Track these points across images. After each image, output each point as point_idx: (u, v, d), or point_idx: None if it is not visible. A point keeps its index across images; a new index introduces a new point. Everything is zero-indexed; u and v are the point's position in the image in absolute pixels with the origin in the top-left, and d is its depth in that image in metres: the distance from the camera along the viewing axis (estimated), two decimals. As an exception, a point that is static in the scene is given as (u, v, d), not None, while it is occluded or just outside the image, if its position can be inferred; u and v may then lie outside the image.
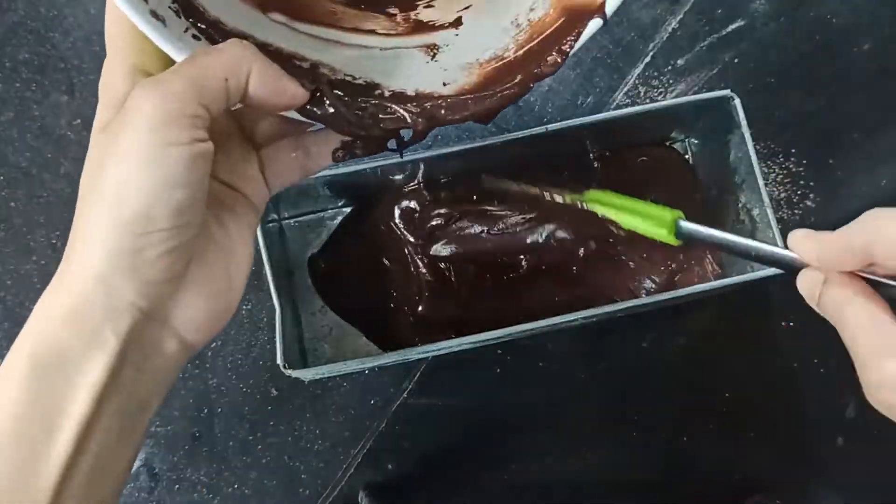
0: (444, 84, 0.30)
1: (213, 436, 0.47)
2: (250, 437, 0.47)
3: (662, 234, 0.38)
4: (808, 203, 0.50)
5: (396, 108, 0.28)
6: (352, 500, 0.47)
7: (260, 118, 0.28)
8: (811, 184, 0.50)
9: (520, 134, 0.43)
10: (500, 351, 0.48)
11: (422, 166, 0.45)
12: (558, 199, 0.44)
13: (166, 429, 0.47)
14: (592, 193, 0.43)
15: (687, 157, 0.49)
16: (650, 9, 0.52)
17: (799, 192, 0.50)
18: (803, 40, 0.52)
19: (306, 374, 0.42)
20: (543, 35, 0.30)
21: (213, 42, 0.26)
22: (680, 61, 0.52)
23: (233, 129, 0.27)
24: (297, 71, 0.28)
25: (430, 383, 0.48)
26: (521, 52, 0.30)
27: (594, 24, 0.28)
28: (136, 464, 0.47)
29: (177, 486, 0.47)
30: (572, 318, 0.41)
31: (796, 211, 0.50)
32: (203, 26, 0.26)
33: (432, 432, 0.48)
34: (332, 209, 0.49)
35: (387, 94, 0.29)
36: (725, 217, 0.47)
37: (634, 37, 0.52)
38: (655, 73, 0.52)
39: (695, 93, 0.51)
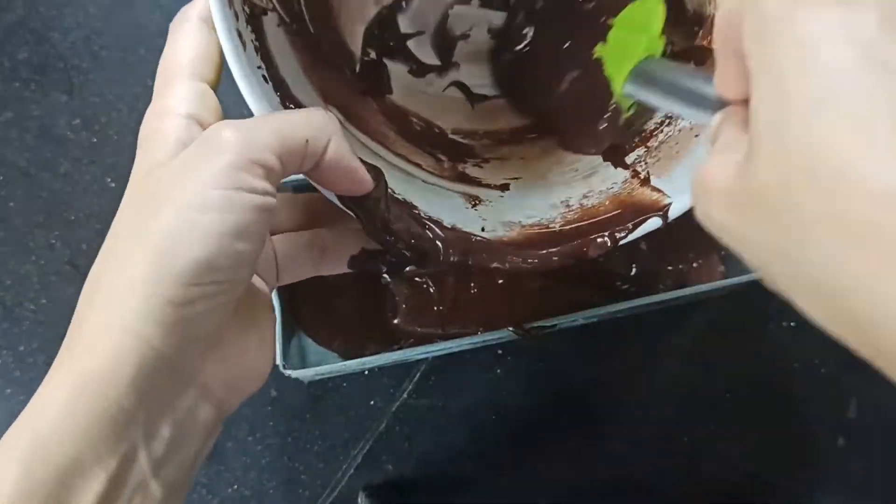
0: (483, 230, 0.29)
1: (212, 436, 0.47)
2: (249, 438, 0.47)
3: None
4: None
5: (433, 230, 0.27)
6: (351, 500, 0.47)
7: (282, 206, 0.27)
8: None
9: None
10: (500, 351, 0.48)
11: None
12: None
13: (166, 429, 0.47)
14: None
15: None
16: (650, 8, 0.52)
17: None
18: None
19: (306, 375, 0.42)
20: (595, 219, 0.29)
21: (277, 90, 0.25)
22: (680, 61, 0.52)
23: None
24: None
25: (430, 383, 0.48)
26: (568, 227, 0.29)
27: (652, 223, 0.28)
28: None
29: (176, 487, 0.47)
30: (573, 319, 0.41)
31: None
32: (273, 74, 0.25)
33: (432, 432, 0.48)
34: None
35: (423, 215, 0.28)
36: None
37: (634, 36, 0.52)
38: (655, 73, 0.52)
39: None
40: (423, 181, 0.31)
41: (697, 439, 0.48)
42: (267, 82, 0.24)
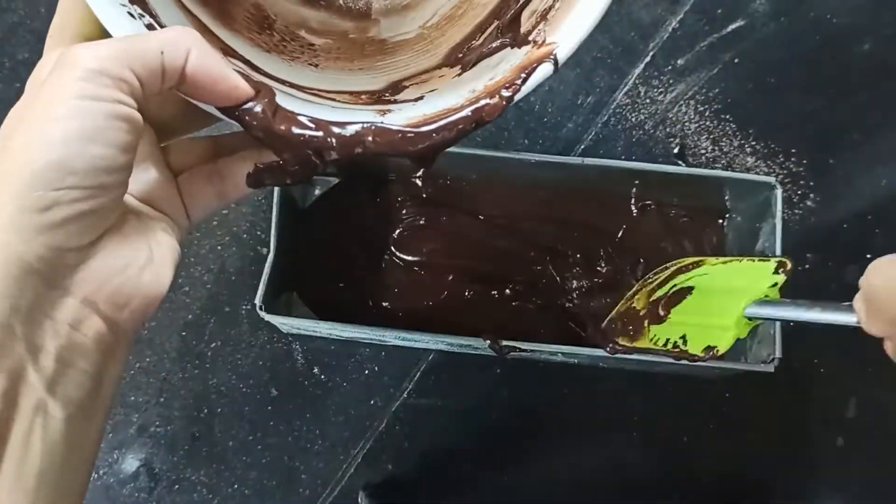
0: (381, 123, 0.28)
1: (212, 436, 0.47)
2: (250, 437, 0.47)
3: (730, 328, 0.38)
4: (809, 203, 0.50)
5: (326, 129, 0.26)
6: (351, 500, 0.47)
7: (177, 146, 0.28)
8: (811, 184, 0.50)
9: (551, 159, 0.43)
10: (500, 351, 0.48)
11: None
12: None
13: (166, 429, 0.47)
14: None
15: (723, 225, 0.49)
16: (650, 9, 0.52)
17: (799, 192, 0.50)
18: (803, 40, 0.52)
19: (283, 323, 0.41)
20: (497, 88, 0.29)
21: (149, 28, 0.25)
22: (680, 61, 0.52)
23: (155, 154, 0.27)
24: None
25: (430, 383, 0.48)
26: (467, 102, 0.29)
27: (543, 70, 0.28)
28: (136, 464, 0.47)
29: (176, 486, 0.47)
30: (553, 351, 0.41)
31: (796, 211, 0.50)
32: (142, 11, 0.25)
33: (432, 432, 0.48)
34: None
35: (313, 118, 0.27)
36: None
37: (634, 36, 0.52)
38: (655, 73, 0.52)
39: (695, 93, 0.51)
40: (333, 107, 0.30)
41: (697, 439, 0.48)
42: (135, 18, 0.25)
